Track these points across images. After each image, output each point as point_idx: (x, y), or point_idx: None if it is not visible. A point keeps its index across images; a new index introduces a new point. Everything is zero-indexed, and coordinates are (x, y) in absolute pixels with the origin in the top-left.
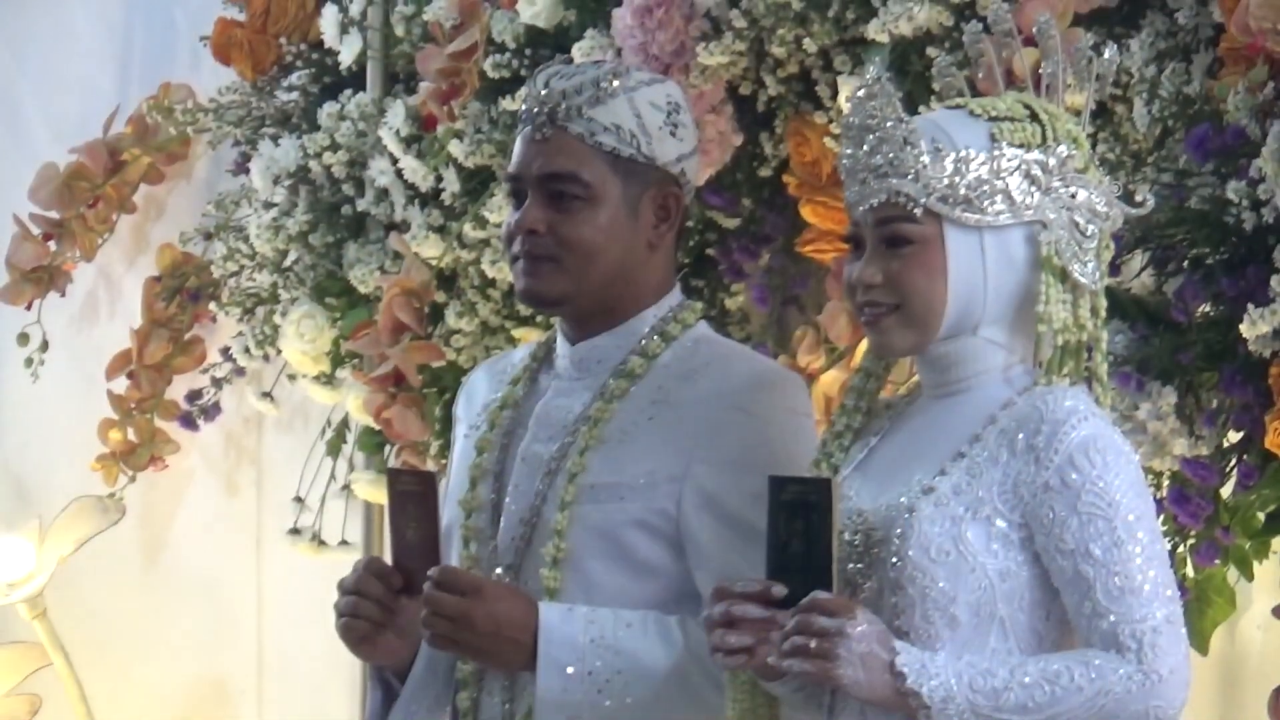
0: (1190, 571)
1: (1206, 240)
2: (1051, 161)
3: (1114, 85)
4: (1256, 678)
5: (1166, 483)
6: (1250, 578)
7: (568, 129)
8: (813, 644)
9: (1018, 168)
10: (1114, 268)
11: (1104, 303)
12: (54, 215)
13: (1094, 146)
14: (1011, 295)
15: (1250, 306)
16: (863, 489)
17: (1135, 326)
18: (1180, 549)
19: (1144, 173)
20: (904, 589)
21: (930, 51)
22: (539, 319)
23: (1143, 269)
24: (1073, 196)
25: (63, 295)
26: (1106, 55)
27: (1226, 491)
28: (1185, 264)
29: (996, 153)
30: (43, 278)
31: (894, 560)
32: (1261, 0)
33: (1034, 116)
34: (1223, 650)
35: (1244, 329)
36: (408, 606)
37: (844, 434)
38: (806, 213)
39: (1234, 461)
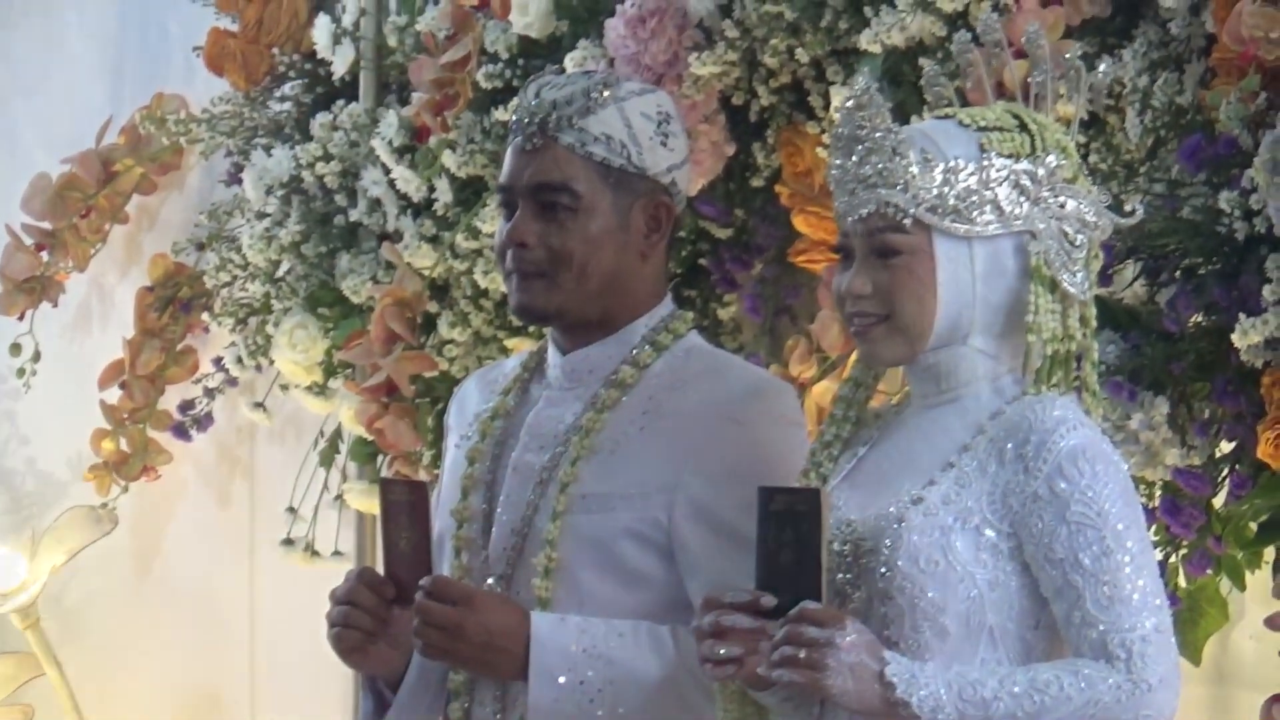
0: (1183, 582)
1: (1199, 250)
2: (1040, 171)
3: (1106, 95)
4: (1249, 688)
5: (1159, 493)
6: (1243, 588)
7: (558, 139)
8: (802, 654)
9: (1007, 178)
10: (1107, 277)
11: (1093, 312)
12: (46, 225)
13: (1086, 157)
14: (1001, 305)
15: (1242, 316)
16: (851, 499)
17: (1128, 336)
18: (1173, 559)
19: (1136, 183)
20: (893, 599)
21: (923, 62)
22: (531, 329)
23: (1135, 279)
24: (1062, 206)
25: (55, 305)
26: (1102, 69)
27: (1219, 501)
28: (1177, 274)
29: (985, 163)
30: (35, 288)
31: (883, 570)
32: (1254, 9)
33: (1023, 126)
34: (1215, 660)
35: (1236, 339)
36: (400, 616)
37: (833, 444)
38: (799, 223)
39: (1226, 471)
